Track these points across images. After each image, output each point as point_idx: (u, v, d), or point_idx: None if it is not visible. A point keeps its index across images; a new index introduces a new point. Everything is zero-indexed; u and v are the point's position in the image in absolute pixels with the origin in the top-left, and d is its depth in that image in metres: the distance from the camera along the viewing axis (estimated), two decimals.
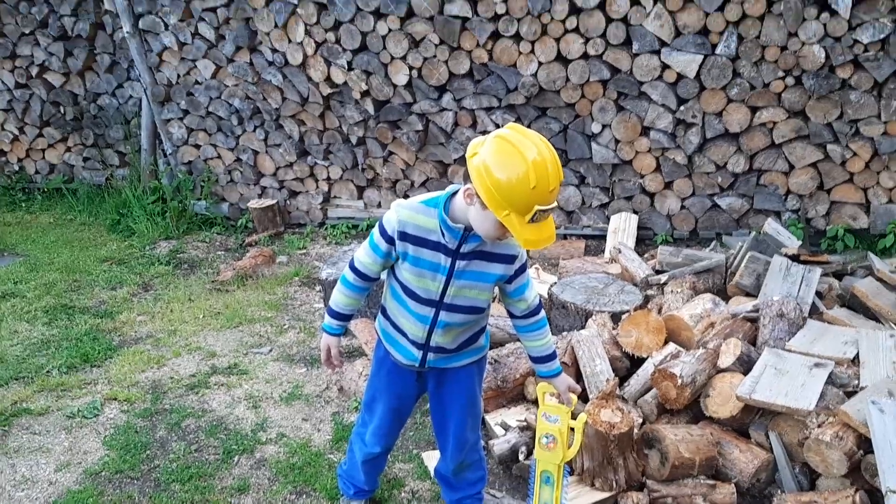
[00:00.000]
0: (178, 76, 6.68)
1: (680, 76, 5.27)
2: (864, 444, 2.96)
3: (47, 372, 4.27)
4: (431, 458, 3.38)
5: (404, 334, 2.58)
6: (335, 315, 2.66)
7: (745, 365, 3.43)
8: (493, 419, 3.60)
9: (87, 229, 6.85)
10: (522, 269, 2.52)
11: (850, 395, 3.24)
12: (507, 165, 2.11)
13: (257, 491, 3.27)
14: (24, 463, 3.48)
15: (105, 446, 3.60)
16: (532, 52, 5.50)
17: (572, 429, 2.73)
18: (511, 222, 2.14)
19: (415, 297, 2.49)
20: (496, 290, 2.58)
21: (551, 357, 2.71)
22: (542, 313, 2.66)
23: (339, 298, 2.63)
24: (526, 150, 2.11)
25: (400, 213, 2.41)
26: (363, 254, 2.53)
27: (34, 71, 7.29)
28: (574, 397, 2.78)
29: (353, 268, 2.57)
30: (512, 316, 2.66)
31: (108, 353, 4.49)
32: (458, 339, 2.59)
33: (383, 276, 2.60)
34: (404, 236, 2.41)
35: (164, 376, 4.24)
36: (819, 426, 3.06)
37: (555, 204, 2.20)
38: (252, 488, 3.28)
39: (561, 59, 5.48)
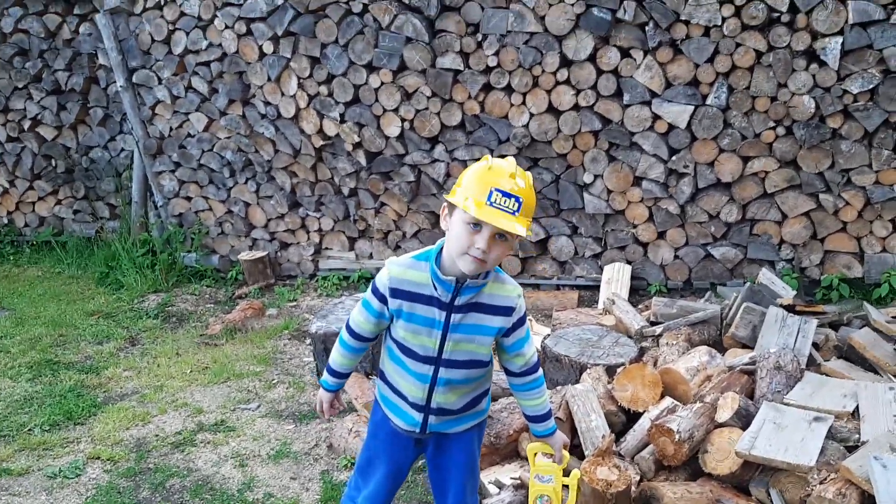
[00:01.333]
0: (171, 129, 6.69)
1: (671, 126, 5.29)
2: (868, 501, 2.88)
3: (29, 430, 4.16)
4: None
5: (404, 398, 2.50)
6: (332, 373, 2.64)
7: (743, 419, 3.35)
8: (487, 477, 3.50)
9: (76, 282, 6.78)
10: (521, 322, 2.45)
11: (850, 449, 3.16)
12: (471, 167, 2.29)
13: None
14: None
15: None
16: (523, 103, 5.52)
17: (566, 486, 2.65)
18: (469, 206, 2.16)
19: (412, 355, 2.42)
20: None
21: (547, 416, 2.64)
22: (541, 371, 2.59)
23: (337, 358, 2.61)
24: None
25: (391, 269, 2.38)
26: (357, 313, 2.50)
27: (26, 125, 7.30)
28: (566, 454, 2.70)
29: (348, 328, 2.54)
30: (508, 373, 2.59)
31: (93, 410, 4.38)
32: (462, 399, 2.51)
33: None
34: (396, 293, 2.37)
35: (149, 434, 4.13)
36: (821, 483, 2.97)
37: (515, 200, 2.17)
38: None
39: (552, 110, 5.50)
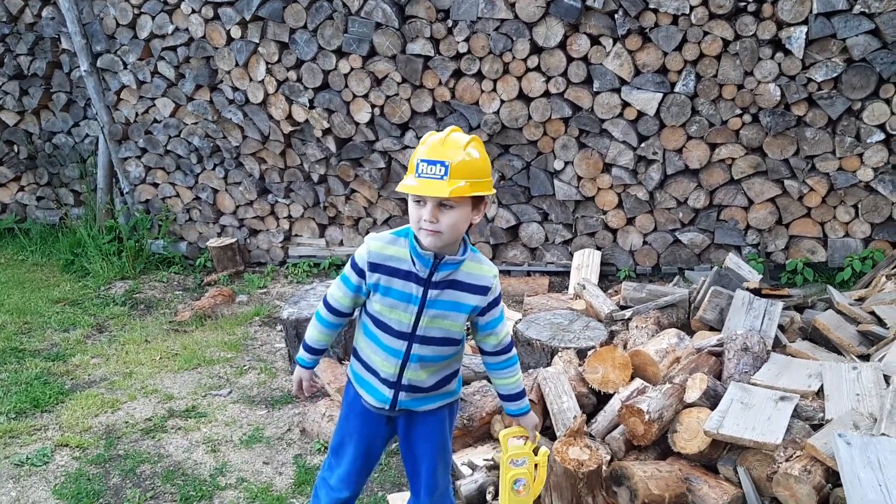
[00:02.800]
0: (137, 114, 6.60)
1: (640, 114, 5.34)
2: (832, 477, 2.95)
3: None
4: (398, 500, 3.29)
5: (376, 374, 2.51)
6: (308, 349, 2.65)
7: (711, 399, 3.41)
8: (460, 459, 3.53)
9: (40, 270, 6.66)
10: (496, 302, 2.48)
11: (815, 427, 3.24)
12: None
13: None
14: None
15: (55, 495, 3.44)
16: (494, 90, 5.54)
17: (536, 465, 2.69)
18: (402, 184, 2.28)
19: (387, 329, 2.44)
20: (468, 324, 2.54)
21: (521, 395, 2.66)
22: (514, 351, 2.62)
23: (313, 333, 2.62)
24: None
25: (370, 244, 2.41)
26: (335, 288, 2.52)
27: None
28: (538, 435, 2.73)
29: (325, 303, 2.56)
30: (483, 352, 2.61)
31: (60, 398, 4.32)
32: (433, 377, 2.52)
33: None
34: (375, 267, 2.39)
35: (118, 421, 4.09)
36: (787, 460, 3.04)
37: (440, 165, 2.22)
38: None
39: (523, 97, 5.53)
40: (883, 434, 2.99)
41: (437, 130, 5.70)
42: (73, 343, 5.12)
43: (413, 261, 2.36)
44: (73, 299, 5.95)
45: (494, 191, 2.41)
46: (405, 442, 2.70)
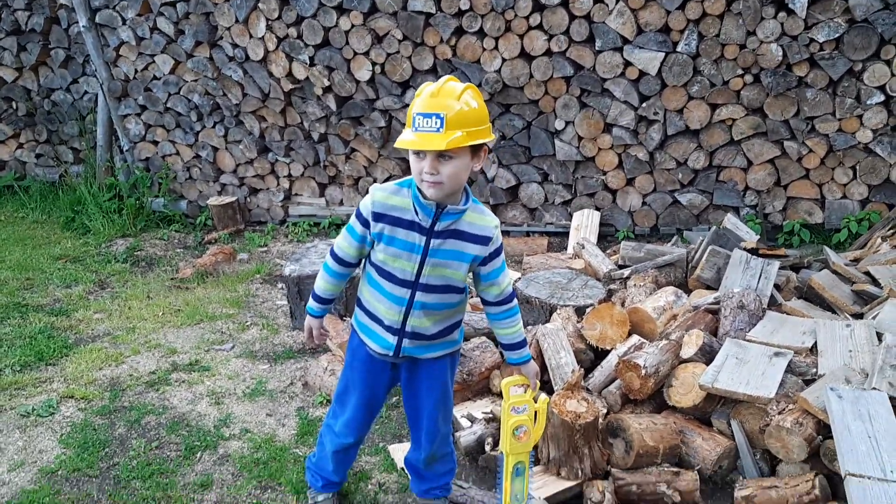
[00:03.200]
0: (136, 71, 6.57)
1: (642, 73, 5.34)
2: (823, 429, 3.01)
3: (0, 371, 4.15)
4: (398, 451, 3.36)
5: (380, 321, 2.57)
6: (317, 299, 2.73)
7: (706, 355, 3.48)
8: (459, 412, 3.60)
9: (40, 227, 6.68)
10: (497, 252, 2.52)
11: (808, 382, 3.30)
12: None
13: (221, 486, 3.21)
14: None
15: (61, 445, 3.51)
16: (496, 48, 5.52)
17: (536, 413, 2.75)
18: (399, 139, 2.31)
19: (391, 278, 2.49)
20: (470, 276, 2.59)
21: (522, 344, 2.72)
22: (515, 302, 2.67)
23: (321, 283, 2.70)
24: None
25: (375, 194, 2.45)
26: (341, 238, 2.57)
27: None
28: (538, 383, 2.80)
29: (332, 253, 2.62)
30: (485, 303, 2.66)
31: (64, 352, 4.38)
32: (436, 325, 2.58)
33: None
34: (379, 217, 2.43)
35: (122, 374, 4.15)
36: (779, 413, 3.10)
37: (435, 117, 2.24)
38: (215, 484, 3.23)
39: (525, 55, 5.51)
40: (874, 388, 3.05)
41: None
42: (75, 299, 5.17)
43: (416, 210, 2.40)
44: (74, 256, 5.98)
45: (494, 137, 2.43)
46: (408, 390, 2.76)
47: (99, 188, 6.84)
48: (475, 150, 2.35)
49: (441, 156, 2.28)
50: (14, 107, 7.28)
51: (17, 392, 3.96)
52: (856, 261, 4.62)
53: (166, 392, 3.97)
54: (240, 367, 4.24)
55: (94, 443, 3.50)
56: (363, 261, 2.62)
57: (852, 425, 2.89)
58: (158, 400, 3.89)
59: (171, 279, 5.53)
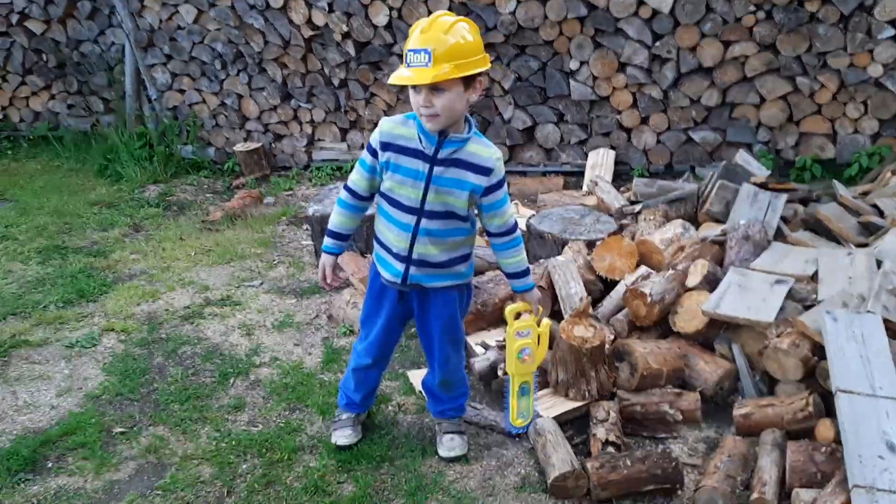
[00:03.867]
0: (161, 21, 6.72)
1: (655, 12, 5.39)
2: (819, 351, 3.15)
3: (44, 307, 4.41)
4: (416, 377, 3.58)
5: (389, 249, 2.75)
6: (332, 235, 2.86)
7: (711, 284, 3.62)
8: (474, 340, 3.80)
9: (75, 175, 6.94)
10: (498, 185, 2.66)
11: (808, 308, 3.42)
12: None
13: (252, 408, 3.46)
14: (25, 390, 3.63)
15: (104, 373, 3.77)
16: None
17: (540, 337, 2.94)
18: (399, 69, 2.46)
19: (398, 205, 2.67)
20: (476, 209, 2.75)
21: (525, 273, 2.89)
22: (518, 233, 2.82)
23: (335, 218, 2.84)
24: None
25: (383, 125, 2.64)
26: (353, 172, 2.75)
27: (14, 19, 7.28)
28: (542, 308, 2.97)
29: (345, 187, 2.79)
30: (489, 234, 2.83)
31: (103, 289, 4.64)
32: (442, 254, 2.73)
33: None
34: (386, 146, 2.61)
35: (159, 309, 4.41)
36: (778, 336, 3.26)
37: (424, 52, 2.38)
38: (247, 406, 3.48)
39: None
40: (868, 311, 3.19)
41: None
42: (112, 241, 5.42)
43: (420, 139, 2.58)
44: (109, 202, 6.23)
45: (489, 65, 2.56)
46: (419, 319, 2.96)
47: (130, 137, 7.05)
48: (468, 80, 2.48)
49: (434, 89, 2.42)
50: (44, 59, 7.48)
51: (62, 326, 4.23)
52: (865, 194, 4.70)
53: (200, 325, 4.22)
54: (268, 301, 4.48)
55: (135, 371, 3.77)
56: (376, 196, 2.78)
57: (846, 346, 3.04)
58: (193, 332, 4.14)
59: (202, 222, 5.77)
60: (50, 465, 3.09)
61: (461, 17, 2.49)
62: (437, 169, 2.59)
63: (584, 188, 5.47)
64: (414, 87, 2.45)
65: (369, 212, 2.86)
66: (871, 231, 4.19)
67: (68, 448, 3.19)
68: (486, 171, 2.62)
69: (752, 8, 5.18)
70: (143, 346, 4.01)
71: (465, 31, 2.45)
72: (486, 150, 2.62)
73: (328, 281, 2.91)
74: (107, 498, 2.91)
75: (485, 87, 2.60)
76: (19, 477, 3.00)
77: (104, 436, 3.27)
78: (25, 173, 7.06)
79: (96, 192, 6.45)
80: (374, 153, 2.65)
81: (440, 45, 2.38)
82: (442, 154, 2.57)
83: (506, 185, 2.72)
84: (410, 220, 2.67)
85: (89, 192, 6.46)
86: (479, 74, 2.51)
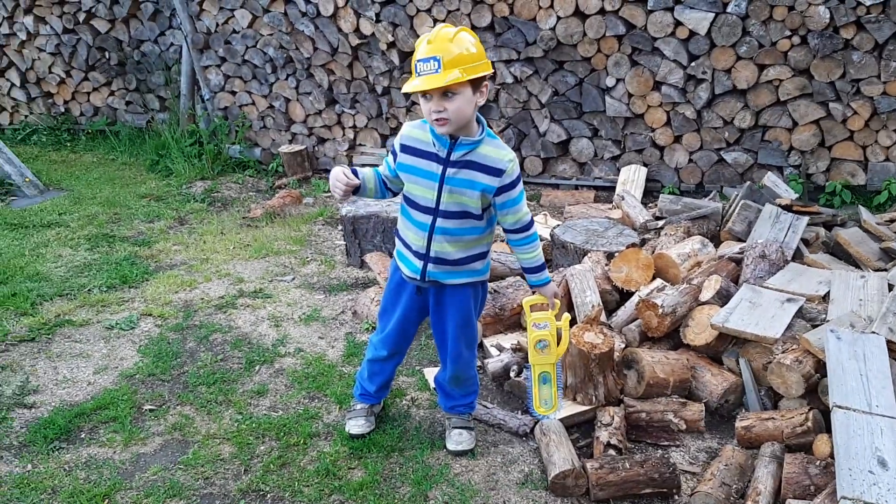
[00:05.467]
0: (217, 25, 7.02)
1: (692, 33, 5.47)
2: (822, 369, 3.21)
3: (88, 290, 4.68)
4: (431, 374, 3.72)
5: (409, 247, 2.92)
6: (354, 170, 2.87)
7: (723, 299, 3.69)
8: (490, 342, 3.93)
9: (128, 168, 7.28)
10: (512, 185, 2.78)
11: (816, 328, 3.49)
12: None
13: (274, 394, 3.64)
14: (66, 366, 3.88)
15: (140, 354, 4.00)
16: (551, 6, 5.73)
17: (560, 331, 3.07)
18: (411, 80, 2.59)
19: (416, 206, 2.84)
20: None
21: (541, 268, 3.01)
22: (534, 230, 2.95)
23: (361, 169, 2.92)
24: None
25: (404, 129, 2.83)
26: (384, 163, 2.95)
27: (81, 17, 7.68)
28: (558, 302, 3.09)
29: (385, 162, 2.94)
30: (505, 231, 2.96)
31: (145, 277, 4.90)
32: (458, 252, 2.87)
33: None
34: (404, 148, 2.81)
35: (195, 297, 4.64)
36: (783, 352, 3.33)
37: (433, 60, 2.53)
38: (270, 392, 3.66)
39: (579, 13, 5.71)
40: (873, 332, 3.25)
41: (496, 46, 5.89)
42: (156, 232, 5.70)
43: (434, 142, 2.74)
44: (157, 195, 6.54)
45: (492, 70, 2.71)
46: (434, 314, 3.10)
47: (181, 134, 7.37)
48: (475, 85, 2.63)
49: (444, 94, 2.58)
50: (107, 56, 7.85)
51: (103, 308, 4.48)
52: (891, 221, 4.72)
53: (232, 314, 4.43)
54: (298, 296, 4.67)
55: (168, 353, 3.99)
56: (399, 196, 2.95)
57: (846, 364, 3.09)
58: (225, 321, 4.36)
59: (243, 218, 6.02)
60: (83, 435, 3.32)
61: (462, 28, 2.65)
62: (450, 170, 2.75)
63: (613, 202, 5.56)
64: (424, 94, 2.61)
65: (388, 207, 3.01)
66: (891, 257, 4.23)
67: (101, 421, 3.41)
68: (497, 173, 2.74)
69: (787, 33, 5.24)
70: (177, 331, 4.24)
71: (467, 40, 2.62)
72: (497, 152, 2.75)
73: (341, 185, 2.78)
74: (133, 469, 3.11)
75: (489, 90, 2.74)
76: (54, 445, 3.24)
77: (134, 412, 3.49)
78: (82, 165, 7.42)
79: (146, 186, 6.76)
80: (395, 155, 2.85)
81: (447, 53, 2.55)
82: (454, 156, 2.73)
83: (520, 184, 2.83)
84: (427, 219, 2.83)
85: (140, 186, 6.77)
86: (485, 78, 2.66)
